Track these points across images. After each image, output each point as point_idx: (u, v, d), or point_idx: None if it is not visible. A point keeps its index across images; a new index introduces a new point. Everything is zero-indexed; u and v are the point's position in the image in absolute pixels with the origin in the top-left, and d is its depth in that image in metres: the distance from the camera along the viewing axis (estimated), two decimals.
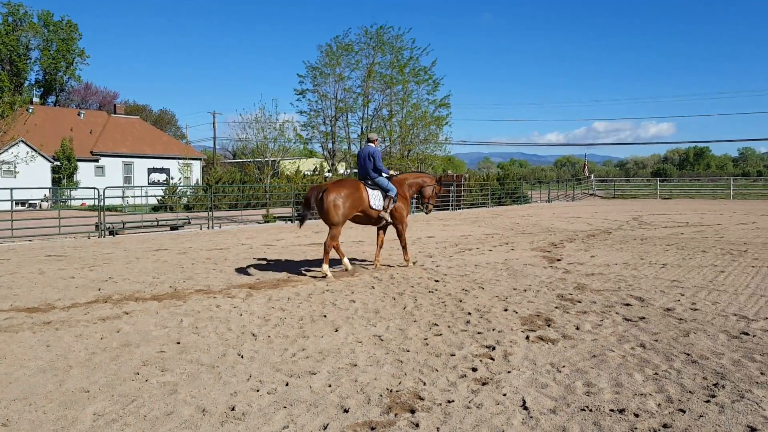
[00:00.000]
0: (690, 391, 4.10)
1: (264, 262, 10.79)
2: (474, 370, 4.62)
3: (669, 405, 3.87)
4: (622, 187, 49.68)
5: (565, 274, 9.07)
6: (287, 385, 4.39)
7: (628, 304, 6.89)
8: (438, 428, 3.58)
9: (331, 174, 34.33)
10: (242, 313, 6.75)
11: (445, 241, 14.06)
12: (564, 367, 4.66)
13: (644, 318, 6.21)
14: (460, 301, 7.18)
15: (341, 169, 37.92)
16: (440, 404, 3.94)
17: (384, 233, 10.26)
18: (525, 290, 7.80)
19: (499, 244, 13.16)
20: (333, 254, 10.08)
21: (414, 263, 10.34)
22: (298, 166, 38.89)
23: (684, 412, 3.75)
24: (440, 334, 5.68)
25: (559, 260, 10.54)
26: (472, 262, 10.50)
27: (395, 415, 3.81)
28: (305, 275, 9.30)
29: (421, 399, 4.05)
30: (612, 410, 3.79)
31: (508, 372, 4.55)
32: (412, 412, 3.84)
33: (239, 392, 4.25)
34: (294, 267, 10.19)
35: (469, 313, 6.50)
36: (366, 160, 9.68)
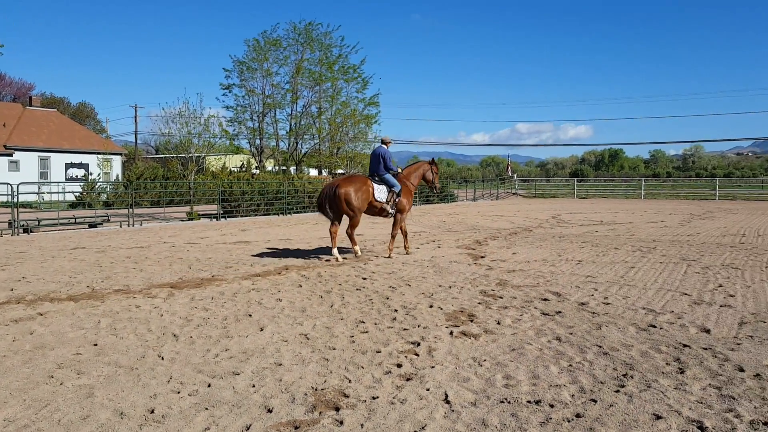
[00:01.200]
0: (601, 382, 4.31)
1: (187, 261, 10.50)
2: (399, 366, 4.67)
3: (582, 395, 4.05)
4: (542, 186, 51.53)
5: (488, 270, 9.31)
6: (209, 386, 4.29)
7: (546, 299, 7.16)
8: (362, 425, 3.60)
9: (258, 171, 33.74)
10: (163, 313, 6.55)
11: (373, 239, 14.13)
12: (485, 361, 4.79)
13: (560, 312, 6.47)
14: (387, 298, 7.24)
15: (269, 166, 37.41)
16: (365, 401, 3.97)
17: (395, 226, 11.26)
18: (450, 287, 7.96)
19: (426, 242, 13.36)
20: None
21: (408, 252, 11.40)
22: (224, 163, 37.98)
23: (595, 401, 3.93)
24: (367, 332, 5.71)
25: (483, 257, 10.81)
26: (400, 259, 10.61)
27: (320, 413, 3.80)
28: (230, 274, 9.12)
29: (346, 396, 4.06)
30: (529, 401, 3.93)
31: (432, 367, 4.63)
32: (337, 409, 3.85)
33: (159, 394, 4.12)
34: (218, 265, 9.98)
35: (396, 310, 6.57)
36: (377, 159, 10.94)
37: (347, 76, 34.94)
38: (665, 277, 8.59)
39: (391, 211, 10.98)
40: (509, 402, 3.92)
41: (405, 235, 11.51)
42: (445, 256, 10.95)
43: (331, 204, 10.52)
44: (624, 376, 4.44)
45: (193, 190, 25.40)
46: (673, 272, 9.01)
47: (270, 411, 3.83)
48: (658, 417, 3.68)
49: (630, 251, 11.48)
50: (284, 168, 34.89)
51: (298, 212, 24.85)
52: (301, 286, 8.10)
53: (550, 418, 3.66)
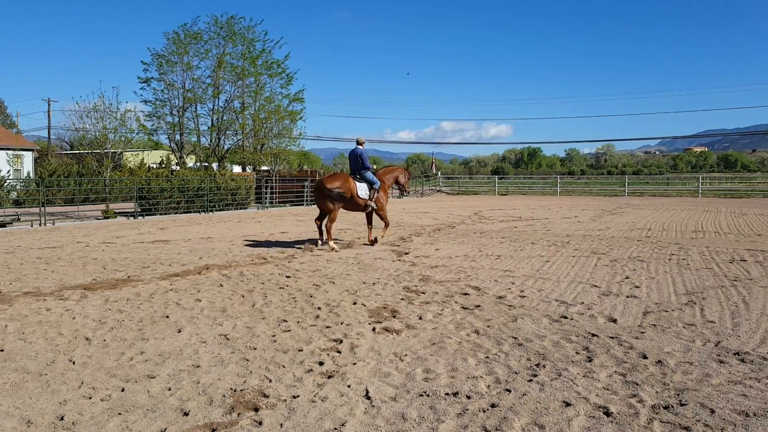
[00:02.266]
0: (516, 372, 4.46)
1: (102, 261, 10.04)
2: (321, 364, 4.66)
3: (497, 386, 4.18)
4: (465, 184, 52.72)
5: (411, 267, 9.43)
6: (123, 390, 4.13)
7: (466, 294, 7.33)
8: (282, 424, 3.57)
9: (179, 167, 32.68)
10: (75, 316, 6.24)
11: (298, 237, 14.00)
12: (406, 355, 4.85)
13: (479, 306, 6.65)
14: (311, 296, 7.20)
15: (190, 162, 36.31)
16: (285, 400, 3.93)
17: (383, 219, 12.59)
18: (374, 283, 8.00)
19: (351, 239, 13.36)
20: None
21: (375, 240, 12.23)
22: (143, 159, 36.58)
23: (510, 391, 4.07)
24: (289, 330, 5.65)
25: (407, 254, 10.93)
26: (324, 257, 10.57)
27: (238, 414, 3.73)
28: (147, 274, 8.79)
29: (266, 396, 4.01)
30: (447, 394, 4.02)
31: (354, 364, 4.64)
32: (256, 410, 3.79)
33: (69, 401, 3.93)
34: (135, 266, 9.60)
35: (319, 308, 6.54)
36: (356, 159, 12.03)
37: (271, 71, 34.41)
38: (577, 270, 8.98)
39: (373, 206, 12.07)
40: (428, 395, 3.99)
41: (370, 227, 12.56)
42: (369, 253, 11.01)
43: (316, 198, 11.62)
44: (537, 365, 4.61)
45: (109, 187, 24.29)
46: (585, 265, 9.43)
47: (186, 414, 3.73)
48: (568, 404, 3.85)
49: (545, 246, 11.93)
50: (206, 164, 33.96)
51: (220, 210, 24.27)
52: (222, 285, 7.92)
53: (467, 409, 3.75)
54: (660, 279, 8.24)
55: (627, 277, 8.35)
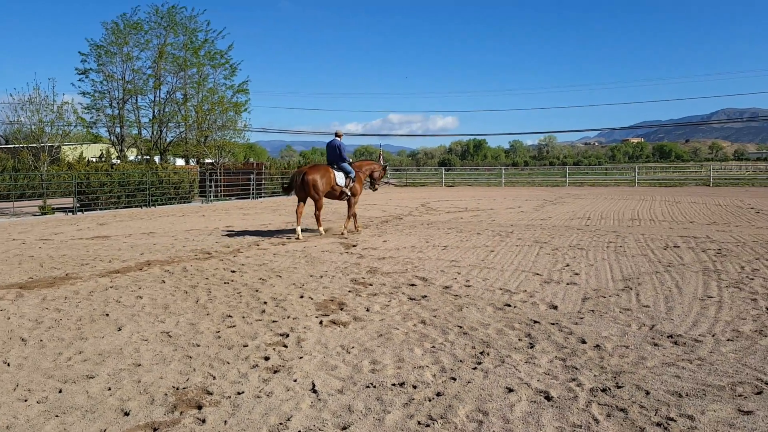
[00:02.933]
0: (461, 360, 4.52)
1: (39, 259, 9.62)
2: (266, 359, 4.60)
3: (443, 374, 4.23)
4: (413, 175, 53.05)
5: (359, 259, 9.43)
6: (61, 392, 3.97)
7: (413, 285, 7.38)
8: (226, 421, 3.51)
9: (119, 161, 31.61)
10: (10, 316, 5.97)
11: (244, 231, 13.78)
12: (353, 348, 4.85)
13: (426, 296, 6.70)
14: (257, 290, 7.10)
15: (131, 155, 35.21)
16: (229, 397, 3.86)
17: (350, 207, 13.01)
18: (321, 276, 7.96)
19: (329, 226, 13.24)
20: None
21: (355, 231, 13.13)
22: (81, 152, 35.20)
23: (455, 379, 4.12)
24: (234, 326, 5.56)
25: (354, 246, 10.92)
26: (271, 251, 10.45)
27: (181, 413, 3.65)
28: (86, 271, 8.48)
29: (210, 394, 3.93)
30: (394, 384, 4.04)
31: (301, 358, 4.61)
32: (200, 408, 3.71)
33: (3, 404, 3.76)
34: (73, 263, 9.25)
35: (265, 303, 6.46)
36: (333, 150, 12.71)
37: (214, 62, 33.57)
38: (520, 259, 9.17)
39: (347, 193, 12.77)
40: (375, 386, 4.00)
41: (353, 213, 13.13)
42: (317, 246, 10.94)
43: (299, 188, 12.20)
44: (481, 353, 4.69)
45: (47, 182, 23.27)
46: (528, 254, 9.64)
47: (127, 414, 3.62)
48: (510, 390, 3.93)
49: (490, 236, 12.13)
50: (148, 158, 32.95)
51: (163, 204, 23.64)
52: (164, 281, 7.72)
53: (413, 399, 3.78)
54: (598, 266, 8.50)
55: (567, 265, 8.58)
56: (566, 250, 10.08)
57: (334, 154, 12.75)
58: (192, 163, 34.46)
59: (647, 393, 3.83)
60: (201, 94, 33.61)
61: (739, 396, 3.76)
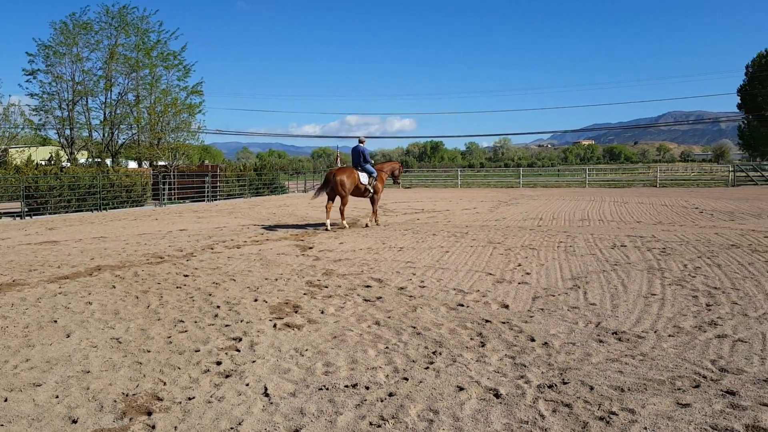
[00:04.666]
0: (413, 360, 4.57)
1: None
2: (218, 363, 4.55)
3: (395, 375, 4.26)
4: None
5: (315, 261, 9.40)
6: (6, 400, 3.86)
7: (368, 286, 7.40)
8: (176, 427, 3.46)
9: (69, 164, 30.67)
10: None
11: (198, 234, 13.57)
12: (307, 350, 4.84)
13: (381, 297, 6.74)
14: (210, 294, 7.00)
15: (82, 158, 34.22)
16: (180, 402, 3.81)
17: (374, 204, 15.18)
18: (276, 279, 7.91)
19: (254, 235, 13.13)
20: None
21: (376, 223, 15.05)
22: (30, 155, 34.02)
23: (407, 379, 4.16)
24: (185, 331, 5.48)
25: (311, 248, 10.88)
26: (225, 254, 10.32)
27: (130, 419, 3.58)
28: (34, 277, 8.21)
29: (160, 400, 3.87)
30: (347, 386, 4.05)
31: (253, 362, 4.57)
32: (149, 414, 3.65)
33: None
34: (21, 269, 8.94)
35: (218, 307, 6.38)
36: (358, 155, 14.68)
37: (167, 63, 33.00)
38: (474, 260, 9.30)
39: (371, 191, 14.67)
40: (327, 389, 4.01)
41: (376, 209, 15.24)
42: (273, 249, 10.86)
43: (330, 187, 13.93)
44: (434, 353, 4.75)
45: None
46: (481, 255, 9.79)
47: (75, 422, 3.54)
48: (461, 388, 3.99)
49: (446, 237, 12.27)
50: (99, 160, 32.08)
51: (114, 208, 23.05)
52: (114, 287, 7.54)
53: (365, 400, 3.81)
54: (549, 266, 8.70)
55: (519, 265, 8.76)
56: (519, 250, 10.27)
57: (358, 158, 14.71)
58: (145, 166, 33.70)
59: (591, 388, 3.95)
60: (154, 96, 32.98)
61: (678, 389, 3.92)
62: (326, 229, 13.76)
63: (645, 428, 3.36)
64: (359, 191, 14.49)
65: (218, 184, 29.60)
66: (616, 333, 5.22)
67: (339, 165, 57.56)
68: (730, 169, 41.55)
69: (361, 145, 14.93)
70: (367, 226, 14.57)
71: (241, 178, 32.18)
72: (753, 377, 4.08)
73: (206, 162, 50.67)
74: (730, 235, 11.73)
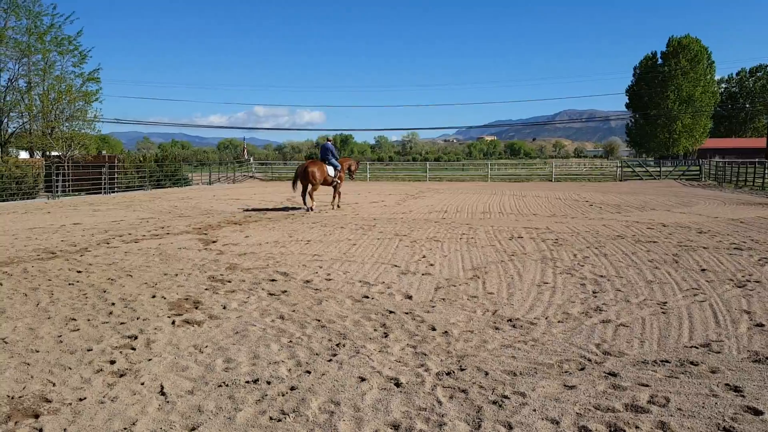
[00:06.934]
0: (317, 354, 4.57)
1: None
2: (112, 362, 4.34)
3: (298, 368, 4.25)
4: (280, 169, 52.35)
5: (219, 255, 9.16)
6: None
7: (273, 280, 7.31)
8: (65, 429, 3.28)
9: None
10: None
11: (93, 228, 12.83)
12: (207, 347, 4.72)
13: (286, 291, 6.68)
14: (105, 291, 6.65)
15: None
16: (70, 404, 3.61)
17: (336, 191, 18.00)
18: (177, 274, 7.64)
19: (154, 229, 12.59)
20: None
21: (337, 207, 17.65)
22: None
23: (310, 372, 4.16)
24: (78, 329, 5.18)
25: (214, 242, 10.59)
26: (122, 249, 9.82)
27: (15, 423, 3.35)
28: None
29: (49, 401, 3.64)
30: (247, 382, 3.99)
31: (149, 360, 4.40)
32: (37, 417, 3.44)
33: None
34: None
35: (113, 304, 6.07)
36: (327, 151, 17.56)
37: (61, 48, 30.81)
38: (381, 252, 9.41)
39: (336, 181, 17.46)
40: (227, 385, 3.93)
41: (335, 197, 18.02)
42: (174, 243, 10.46)
43: (302, 178, 16.43)
44: (337, 345, 4.77)
45: None
46: (388, 247, 9.92)
47: None
48: (363, 379, 4.04)
49: (353, 229, 12.32)
50: None
51: (3, 200, 21.34)
52: (1, 284, 7.00)
53: (266, 395, 3.77)
54: (451, 257, 8.95)
55: (424, 257, 8.95)
56: (424, 242, 10.49)
57: (326, 154, 17.45)
58: (37, 156, 31.40)
59: (486, 374, 4.12)
60: (47, 83, 30.76)
61: (565, 372, 4.16)
62: (309, 210, 16.70)
63: (534, 410, 3.55)
64: (326, 182, 17.07)
65: (116, 176, 28.10)
66: (510, 320, 5.46)
67: (246, 157, 56.48)
68: (618, 165, 44.41)
69: (329, 143, 18.04)
70: (339, 207, 17.90)
71: (141, 170, 30.69)
72: (633, 359, 4.41)
73: (104, 152, 47.98)
74: (616, 226, 12.56)
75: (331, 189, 18.58)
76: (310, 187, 16.60)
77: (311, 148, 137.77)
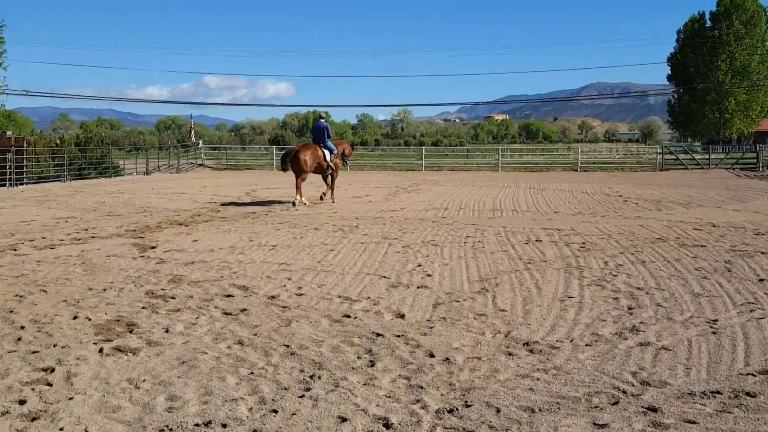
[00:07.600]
0: (285, 388, 4.55)
1: None
2: (22, 402, 4.29)
3: (262, 407, 4.22)
4: (236, 156, 52.15)
5: (159, 264, 9.12)
6: None
7: (229, 295, 7.29)
8: None
9: None
10: None
11: None
12: (144, 381, 4.68)
13: (246, 310, 6.66)
14: (11, 311, 6.59)
15: None
16: None
17: (328, 180, 18.55)
18: (105, 289, 7.59)
19: (75, 232, 12.50)
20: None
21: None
22: None
23: (277, 412, 4.14)
24: None
25: (153, 248, 10.54)
26: (34, 257, 9.74)
27: None
28: None
29: None
30: (197, 424, 3.96)
31: (70, 398, 4.35)
32: None
33: None
34: None
35: (23, 327, 6.02)
36: (321, 131, 17.96)
37: None
38: (365, 259, 9.42)
39: (332, 167, 18.11)
40: (171, 429, 3.89)
41: (329, 186, 18.55)
42: (101, 249, 10.40)
43: (292, 164, 17.13)
44: (311, 377, 4.75)
45: None
46: (374, 253, 9.93)
47: None
48: (344, 419, 4.03)
49: (330, 231, 12.32)
50: None
51: None
52: None
53: None
54: (453, 265, 8.98)
55: (419, 265, 8.97)
56: (419, 247, 10.51)
57: (321, 135, 17.89)
58: None
59: (498, 411, 4.12)
60: None
61: (595, 408, 4.18)
62: (293, 204, 17.11)
63: None
64: (321, 168, 17.78)
65: (25, 164, 27.85)
66: (527, 344, 5.48)
67: (193, 140, 56.32)
68: (658, 151, 44.85)
69: (323, 121, 18.44)
70: (333, 201, 18.38)
71: (57, 156, 30.43)
72: (677, 390, 4.44)
73: (8, 133, 47.49)
74: (656, 227, 12.68)
75: (319, 178, 19.13)
76: (303, 175, 17.33)
77: (276, 129, 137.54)
